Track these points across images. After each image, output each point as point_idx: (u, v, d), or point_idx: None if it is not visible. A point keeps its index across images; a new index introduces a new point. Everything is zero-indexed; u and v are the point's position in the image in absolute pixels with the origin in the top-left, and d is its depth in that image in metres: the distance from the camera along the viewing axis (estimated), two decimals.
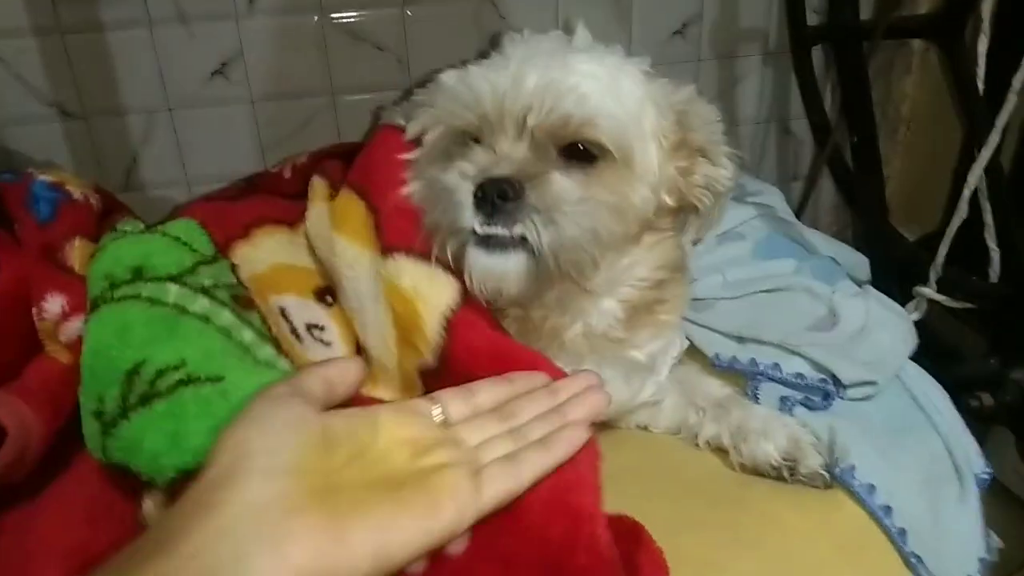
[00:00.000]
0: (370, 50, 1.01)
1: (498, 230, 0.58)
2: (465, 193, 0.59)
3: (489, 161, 0.62)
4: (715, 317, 0.85)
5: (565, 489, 0.50)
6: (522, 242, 0.58)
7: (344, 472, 0.43)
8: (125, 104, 0.98)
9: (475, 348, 0.59)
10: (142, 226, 0.74)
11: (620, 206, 0.63)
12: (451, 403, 0.51)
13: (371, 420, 0.47)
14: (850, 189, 1.15)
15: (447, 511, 0.43)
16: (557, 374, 0.57)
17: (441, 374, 0.60)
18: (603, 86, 0.63)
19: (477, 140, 0.64)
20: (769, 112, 1.19)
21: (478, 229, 0.58)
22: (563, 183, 0.60)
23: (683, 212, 0.71)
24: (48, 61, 0.95)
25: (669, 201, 0.67)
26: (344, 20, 0.98)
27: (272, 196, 0.80)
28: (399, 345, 0.63)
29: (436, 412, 0.50)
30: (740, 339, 0.82)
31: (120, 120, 0.99)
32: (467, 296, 0.61)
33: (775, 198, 0.99)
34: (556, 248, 0.59)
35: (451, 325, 0.59)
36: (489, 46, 0.69)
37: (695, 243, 0.76)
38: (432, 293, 0.61)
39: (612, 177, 0.62)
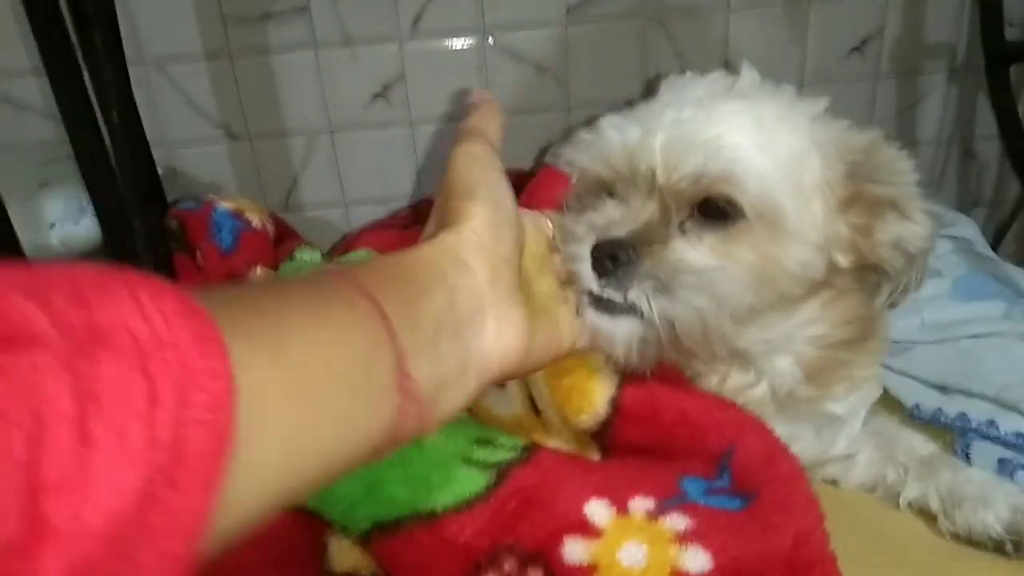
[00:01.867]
0: (530, 71, 0.98)
1: (611, 294, 0.53)
2: (584, 251, 0.55)
3: (614, 219, 0.58)
4: (913, 363, 0.77)
5: (805, 568, 0.45)
6: (640, 314, 0.53)
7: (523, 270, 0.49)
8: (288, 126, 0.98)
9: (646, 414, 0.55)
10: (318, 254, 0.73)
11: (765, 271, 0.55)
12: None
13: (529, 222, 0.52)
14: None
15: (566, 342, 0.50)
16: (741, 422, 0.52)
17: (610, 434, 0.56)
18: (749, 137, 0.56)
19: (611, 193, 0.60)
20: (952, 133, 1.09)
21: (594, 290, 0.54)
22: (684, 251, 0.55)
23: (870, 271, 0.62)
24: (217, 84, 0.96)
25: (843, 261, 0.58)
26: (505, 41, 0.96)
27: None
28: (559, 410, 0.58)
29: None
30: (943, 389, 0.74)
31: (283, 142, 0.99)
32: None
33: (970, 230, 0.91)
34: (671, 318, 0.53)
35: (619, 400, 0.56)
36: (646, 92, 0.64)
37: (891, 307, 0.65)
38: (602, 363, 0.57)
39: (755, 239, 0.55)
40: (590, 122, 0.65)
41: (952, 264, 0.85)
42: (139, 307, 0.25)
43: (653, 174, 0.57)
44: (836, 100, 0.61)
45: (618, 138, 0.59)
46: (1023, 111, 1.06)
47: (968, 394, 0.72)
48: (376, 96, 0.98)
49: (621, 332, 0.54)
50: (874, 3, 1.00)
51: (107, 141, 0.66)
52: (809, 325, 0.61)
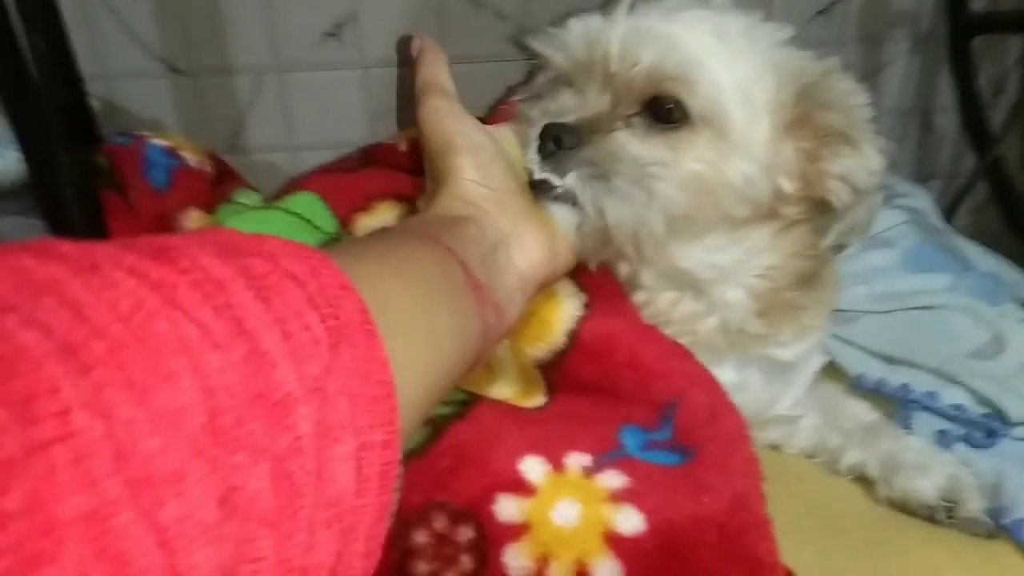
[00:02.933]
0: (491, 18, 0.94)
1: (549, 176, 0.54)
2: (534, 133, 0.55)
3: (567, 107, 0.58)
4: (859, 332, 0.77)
5: (739, 532, 0.45)
6: (574, 201, 0.54)
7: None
8: (234, 64, 0.94)
9: (600, 351, 0.55)
10: (258, 198, 0.70)
11: (705, 179, 0.55)
12: None
13: (503, 137, 0.56)
14: (1013, 206, 1.04)
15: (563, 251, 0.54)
16: (691, 374, 0.52)
17: (560, 368, 0.56)
18: (708, 43, 0.56)
19: (570, 85, 0.60)
20: (912, 104, 1.09)
21: (535, 172, 0.55)
22: (628, 142, 0.55)
23: (820, 208, 0.61)
24: (160, 15, 0.91)
25: (788, 187, 0.58)
26: None
27: (390, 169, 0.75)
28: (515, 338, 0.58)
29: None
30: (888, 360, 0.75)
31: (228, 80, 0.95)
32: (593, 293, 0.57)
33: (924, 201, 0.91)
34: (602, 208, 0.53)
35: (577, 333, 0.56)
36: None
37: (837, 251, 0.65)
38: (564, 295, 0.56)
39: (699, 144, 0.55)
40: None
41: (903, 235, 0.86)
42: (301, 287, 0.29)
43: (608, 63, 0.57)
44: None
45: (580, 28, 0.60)
46: (983, 84, 1.06)
47: (912, 365, 0.72)
48: (327, 35, 0.93)
49: (559, 217, 0.54)
50: None
51: (32, 69, 0.61)
52: (759, 255, 0.61)
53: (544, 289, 0.55)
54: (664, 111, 0.55)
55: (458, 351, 0.39)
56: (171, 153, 0.68)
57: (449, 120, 0.54)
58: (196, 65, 0.93)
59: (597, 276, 0.59)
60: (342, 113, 0.98)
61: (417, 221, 0.48)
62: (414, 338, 0.35)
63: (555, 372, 0.55)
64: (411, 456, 0.48)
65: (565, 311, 0.55)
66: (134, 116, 0.95)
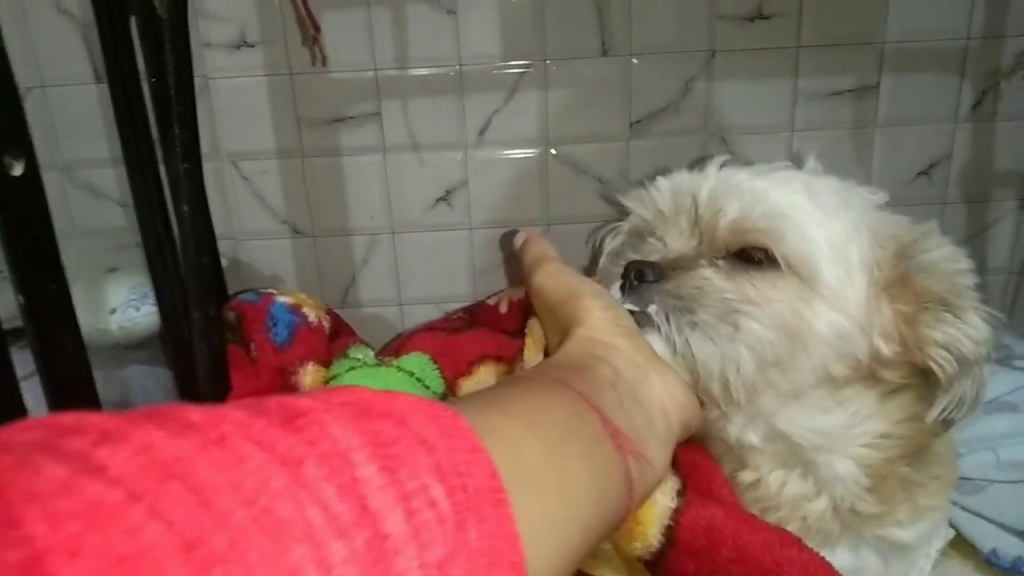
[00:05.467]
0: (591, 182, 0.99)
1: (631, 306, 0.55)
2: (615, 275, 0.57)
3: (650, 251, 0.59)
4: (988, 504, 0.72)
5: None
6: (658, 328, 0.54)
7: None
8: (351, 225, 1.00)
9: (702, 547, 0.51)
10: (372, 354, 0.72)
11: (792, 324, 0.53)
12: None
13: None
14: None
15: None
16: (806, 563, 0.48)
17: (663, 564, 0.52)
18: (797, 199, 0.56)
19: (654, 235, 0.62)
20: (1023, 261, 1.06)
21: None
22: (711, 276, 0.54)
23: (924, 376, 0.58)
24: (286, 182, 0.99)
25: (885, 349, 0.56)
26: (567, 152, 0.97)
27: (491, 331, 0.77)
28: (614, 539, 0.55)
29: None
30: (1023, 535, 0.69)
31: (345, 240, 1.01)
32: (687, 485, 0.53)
33: None
34: (688, 342, 0.52)
35: (674, 529, 0.51)
36: None
37: (946, 427, 0.59)
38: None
39: (786, 290, 0.54)
40: None
41: None
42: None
43: (695, 213, 0.57)
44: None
45: (667, 183, 0.61)
46: None
47: None
48: (439, 200, 0.99)
49: (654, 345, 0.53)
50: (941, 129, 0.99)
51: (175, 232, 0.67)
52: (866, 420, 0.57)
53: (689, 435, 0.53)
54: (750, 259, 0.55)
55: (599, 507, 0.36)
56: (294, 310, 0.72)
57: (568, 275, 0.57)
58: (316, 227, 1.00)
59: (689, 453, 0.57)
60: (448, 271, 1.02)
61: (546, 366, 0.47)
62: (548, 495, 0.33)
63: (658, 568, 0.52)
64: None
65: (658, 506, 0.51)
66: (256, 272, 1.03)
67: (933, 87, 0.97)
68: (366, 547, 0.23)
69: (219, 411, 0.25)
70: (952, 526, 0.70)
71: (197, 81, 0.92)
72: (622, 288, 0.56)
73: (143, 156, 0.66)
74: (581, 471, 0.36)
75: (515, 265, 0.63)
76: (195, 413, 0.24)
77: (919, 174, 1.01)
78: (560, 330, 0.53)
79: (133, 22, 0.64)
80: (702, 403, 0.55)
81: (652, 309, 0.54)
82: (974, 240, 1.04)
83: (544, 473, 0.33)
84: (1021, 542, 0.68)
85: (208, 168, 0.95)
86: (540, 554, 0.30)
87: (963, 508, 0.72)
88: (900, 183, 1.00)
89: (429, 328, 0.80)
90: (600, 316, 0.51)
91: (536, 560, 0.30)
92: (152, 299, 0.75)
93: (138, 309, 0.77)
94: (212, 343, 0.67)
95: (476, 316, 0.84)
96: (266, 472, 0.23)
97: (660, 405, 0.48)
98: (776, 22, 0.93)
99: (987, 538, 0.69)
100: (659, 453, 0.45)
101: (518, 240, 0.65)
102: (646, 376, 0.48)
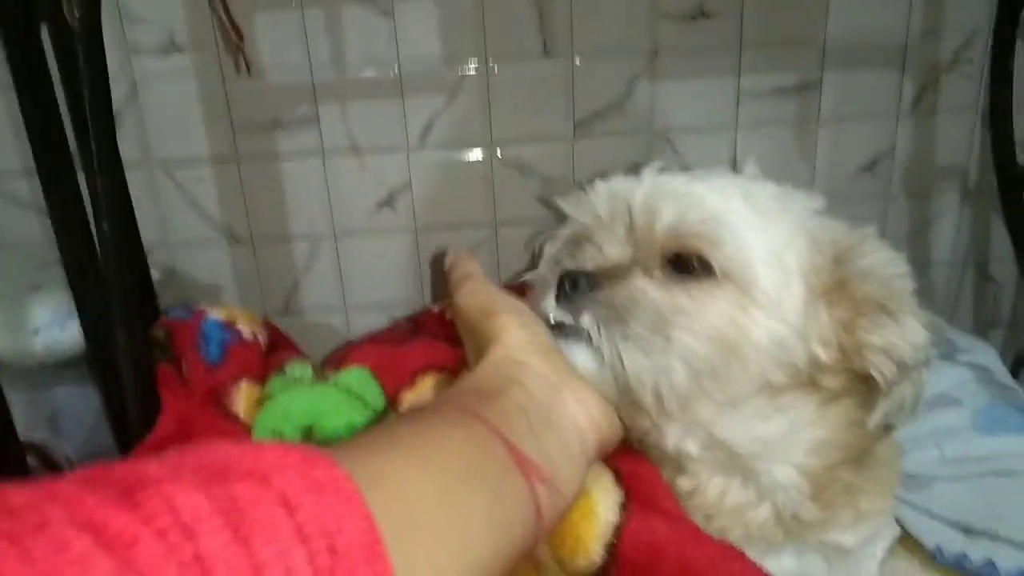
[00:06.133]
0: (537, 183, 0.97)
1: (563, 316, 0.53)
2: (551, 284, 0.55)
3: (585, 259, 0.58)
4: (933, 499, 0.72)
5: None
6: (589, 340, 0.52)
7: None
8: (292, 231, 0.98)
9: (645, 563, 0.50)
10: (310, 369, 0.70)
11: (728, 334, 0.52)
12: None
13: None
14: None
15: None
16: None
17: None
18: (735, 205, 0.54)
19: (590, 241, 0.60)
20: (966, 255, 1.07)
21: (551, 315, 0.54)
22: (648, 287, 0.53)
23: (864, 382, 0.56)
24: (222, 188, 0.96)
25: (823, 355, 0.54)
26: (512, 154, 0.96)
27: (436, 340, 0.75)
28: (554, 553, 0.53)
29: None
30: (967, 531, 0.69)
31: (285, 246, 0.99)
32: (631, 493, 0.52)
33: (990, 358, 0.87)
34: (620, 353, 0.50)
35: (616, 546, 0.50)
36: None
37: (887, 431, 0.59)
38: (598, 501, 0.52)
39: (722, 299, 0.53)
40: None
41: (972, 394, 0.81)
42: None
43: (630, 218, 0.56)
44: (846, 219, 0.59)
45: (605, 188, 0.60)
46: None
47: (995, 538, 0.67)
48: (382, 204, 0.97)
49: (580, 365, 0.52)
50: (883, 124, 1.00)
51: (97, 252, 0.64)
52: (806, 428, 0.56)
53: (606, 452, 0.52)
54: (686, 266, 0.54)
55: (500, 544, 0.35)
56: (226, 327, 0.70)
57: (486, 293, 0.55)
58: (255, 233, 0.97)
59: (631, 462, 0.56)
60: (394, 275, 1.00)
61: (455, 393, 0.45)
62: (440, 542, 0.31)
63: None
64: None
65: (599, 521, 0.50)
66: (193, 281, 0.99)
67: (874, 83, 0.98)
68: None
69: (49, 489, 0.23)
70: (898, 523, 0.70)
71: (125, 87, 0.89)
72: (557, 297, 0.54)
73: (60, 170, 0.63)
74: (481, 510, 0.35)
75: (446, 282, 0.61)
76: (18, 496, 0.22)
77: (862, 169, 1.01)
78: (478, 349, 0.52)
79: (45, 30, 0.61)
80: (632, 415, 0.54)
81: (584, 320, 0.53)
82: (918, 234, 1.05)
83: (435, 516, 0.32)
84: (965, 538, 0.69)
85: (139, 176, 0.92)
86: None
87: (908, 505, 0.72)
88: (843, 179, 1.01)
89: (372, 340, 0.78)
90: (516, 334, 0.50)
91: None
92: (77, 318, 0.72)
93: (63, 329, 0.74)
94: (139, 363, 0.65)
95: (420, 324, 0.82)
96: (89, 561, 0.21)
97: (574, 424, 0.47)
98: (718, 21, 0.92)
99: (932, 534, 0.69)
100: (571, 477, 0.45)
101: (448, 261, 0.63)
102: (560, 395, 0.47)
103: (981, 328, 1.11)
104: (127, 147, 0.83)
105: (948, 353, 0.86)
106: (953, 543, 0.69)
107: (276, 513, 0.25)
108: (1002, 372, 0.86)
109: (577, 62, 0.92)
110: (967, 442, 0.77)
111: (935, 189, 1.04)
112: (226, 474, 0.25)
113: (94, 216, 0.63)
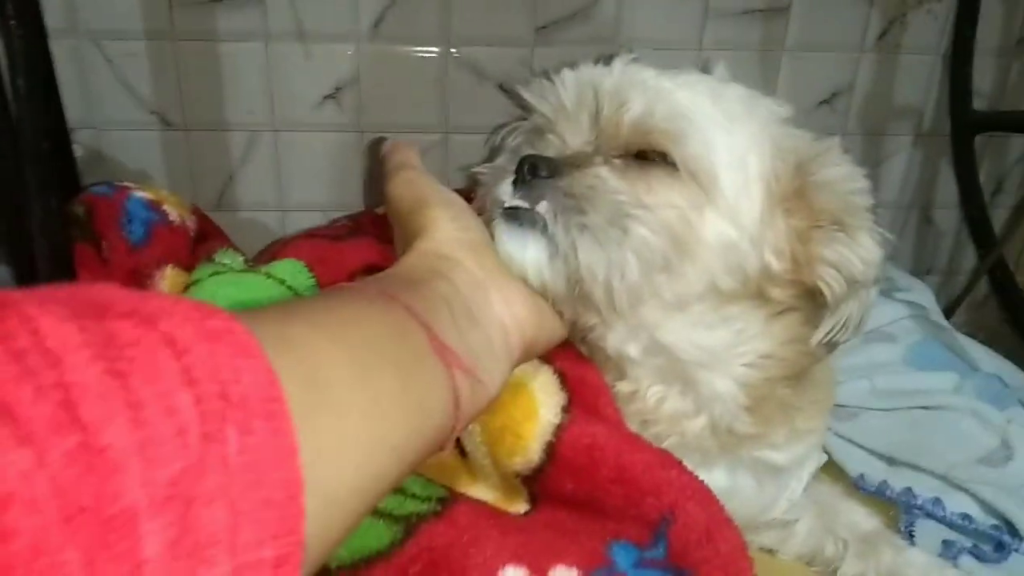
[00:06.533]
0: (492, 88, 0.93)
1: (521, 201, 0.52)
2: (508, 171, 0.53)
3: (547, 147, 0.56)
4: (860, 430, 0.74)
5: None
6: (544, 228, 0.51)
7: None
8: (229, 120, 0.92)
9: (582, 465, 0.49)
10: (241, 259, 0.66)
11: (683, 232, 0.52)
12: None
13: None
14: (1015, 304, 1.01)
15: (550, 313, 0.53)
16: (684, 486, 0.48)
17: (541, 480, 0.51)
18: (701, 102, 0.53)
19: (553, 133, 0.58)
20: (912, 197, 1.08)
21: (507, 200, 0.53)
22: (609, 176, 0.52)
23: (812, 298, 0.57)
24: (156, 67, 0.89)
25: (776, 265, 0.54)
26: (469, 54, 0.91)
27: (378, 241, 0.72)
28: (490, 451, 0.52)
29: None
30: (891, 461, 0.71)
31: (221, 135, 0.93)
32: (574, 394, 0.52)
33: (926, 297, 0.89)
34: (575, 242, 0.50)
35: (555, 446, 0.50)
36: None
37: (830, 349, 0.59)
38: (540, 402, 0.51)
39: (679, 192, 0.52)
40: None
41: (906, 330, 0.83)
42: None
43: (597, 106, 0.54)
44: None
45: (572, 76, 0.58)
46: (984, 182, 1.05)
47: (916, 468, 0.69)
48: (327, 97, 0.92)
49: (531, 251, 0.51)
50: (846, 59, 0.98)
51: (12, 112, 0.59)
52: (749, 340, 0.56)
53: (532, 356, 0.51)
54: (648, 158, 0.53)
55: (414, 428, 0.34)
56: (153, 207, 0.65)
57: (419, 183, 0.53)
58: (189, 119, 0.91)
59: (578, 367, 0.55)
60: (336, 175, 0.96)
61: (375, 279, 0.43)
62: (348, 414, 0.29)
63: (535, 484, 0.50)
64: (376, 558, 0.43)
65: (541, 421, 0.49)
66: (120, 166, 0.93)
67: (842, 14, 0.96)
68: (66, 459, 0.19)
69: None
70: (824, 451, 0.72)
71: None
72: (514, 183, 0.52)
73: None
74: (395, 388, 0.33)
75: (381, 175, 0.58)
76: None
77: (821, 102, 1.00)
78: (406, 240, 0.50)
79: None
80: (579, 310, 0.53)
81: (542, 207, 0.51)
82: (870, 173, 1.05)
83: (346, 389, 0.30)
84: (888, 467, 0.71)
85: (64, 45, 0.85)
86: (331, 474, 0.27)
87: (836, 434, 0.74)
88: (802, 111, 0.97)
89: (309, 235, 0.74)
90: (445, 228, 0.49)
91: (326, 480, 0.27)
92: None
93: None
94: (55, 240, 0.60)
95: (361, 225, 0.78)
96: None
97: (499, 323, 0.46)
98: None
99: (856, 463, 0.71)
100: (494, 373, 0.43)
101: (384, 147, 0.60)
102: (486, 293, 0.46)
103: (919, 271, 1.13)
104: (51, 14, 0.76)
105: (887, 290, 0.87)
106: (876, 472, 0.70)
107: (160, 353, 0.22)
108: (936, 312, 0.88)
109: None
110: (897, 376, 0.79)
111: (890, 129, 1.03)
112: (104, 311, 0.23)
113: (8, 70, 0.57)
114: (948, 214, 1.10)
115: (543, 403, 0.49)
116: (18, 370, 0.19)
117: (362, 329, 0.34)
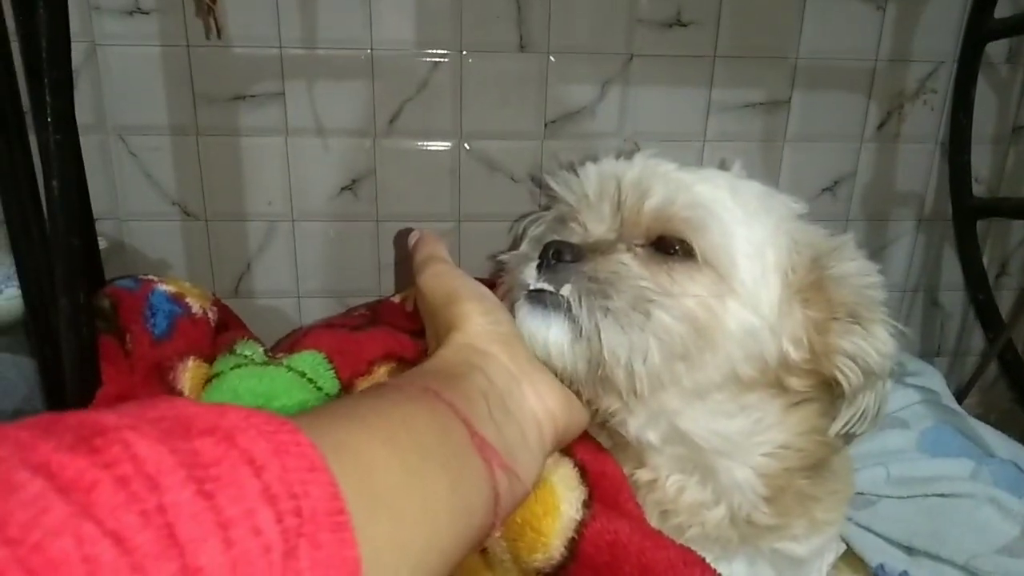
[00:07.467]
0: (503, 180, 0.96)
1: (545, 284, 0.53)
2: (533, 257, 0.55)
3: (571, 234, 0.58)
4: (877, 518, 0.73)
5: None
6: (568, 310, 0.52)
7: None
8: (248, 210, 0.95)
9: (605, 563, 0.49)
10: (261, 350, 0.68)
11: (703, 319, 0.53)
12: None
13: None
14: None
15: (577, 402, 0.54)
16: None
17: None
18: (722, 197, 0.55)
19: (576, 220, 0.61)
20: (918, 281, 1.10)
21: (532, 283, 0.54)
22: (630, 262, 0.54)
23: (829, 389, 0.58)
24: (179, 160, 0.92)
25: (793, 353, 0.55)
26: (481, 148, 0.94)
27: (394, 330, 0.74)
28: (510, 547, 0.52)
29: None
30: (910, 550, 0.70)
31: (240, 225, 0.95)
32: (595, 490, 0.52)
33: (936, 380, 0.89)
34: (599, 327, 0.50)
35: (577, 543, 0.49)
36: None
37: (847, 440, 0.60)
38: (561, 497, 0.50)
39: (700, 283, 0.54)
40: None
41: (919, 416, 0.83)
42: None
43: (619, 197, 0.56)
44: None
45: (595, 168, 0.60)
46: (988, 264, 1.07)
47: (936, 559, 0.68)
48: (344, 189, 0.95)
49: (554, 332, 0.52)
50: (847, 148, 1.01)
51: (43, 212, 0.61)
52: (768, 430, 0.57)
53: (562, 446, 0.52)
54: (669, 248, 0.54)
55: (461, 527, 0.35)
56: (176, 300, 0.67)
57: (452, 277, 0.54)
58: (210, 210, 0.94)
59: (598, 459, 0.55)
60: (352, 263, 0.98)
61: (417, 373, 0.44)
62: (403, 517, 0.30)
63: None
64: None
65: (562, 517, 0.49)
66: (141, 255, 0.95)
67: (842, 105, 0.99)
68: None
69: (2, 430, 0.21)
70: (843, 540, 0.71)
71: (83, 47, 0.85)
72: (539, 267, 0.54)
73: (10, 124, 0.59)
74: (444, 490, 0.34)
75: (409, 265, 0.60)
76: None
77: (824, 190, 1.03)
78: (438, 335, 0.52)
79: None
80: (601, 394, 0.54)
81: (566, 290, 0.52)
82: (873, 258, 1.06)
83: (400, 493, 0.31)
84: (907, 556, 0.70)
85: (92, 141, 0.88)
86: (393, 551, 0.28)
87: (854, 523, 0.73)
88: (805, 198, 0.99)
89: (328, 324, 0.75)
90: (478, 322, 0.50)
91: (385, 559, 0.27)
92: (16, 282, 0.68)
93: (0, 292, 0.70)
94: (81, 333, 0.61)
95: (379, 313, 0.80)
96: (43, 503, 0.19)
97: (533, 416, 0.47)
98: (694, 30, 0.93)
99: (875, 553, 0.70)
100: (529, 467, 0.44)
101: (412, 239, 0.62)
102: (519, 386, 0.47)
103: (927, 354, 1.13)
104: (81, 111, 0.79)
105: (897, 375, 0.88)
106: (896, 561, 0.69)
107: (242, 471, 0.24)
108: (947, 396, 0.88)
109: (552, 59, 0.92)
110: (912, 463, 0.78)
111: (892, 214, 1.06)
112: (188, 429, 0.24)
113: (43, 174, 0.60)
114: (954, 296, 1.11)
115: (564, 497, 0.49)
116: (125, 496, 0.21)
117: (412, 430, 0.35)
